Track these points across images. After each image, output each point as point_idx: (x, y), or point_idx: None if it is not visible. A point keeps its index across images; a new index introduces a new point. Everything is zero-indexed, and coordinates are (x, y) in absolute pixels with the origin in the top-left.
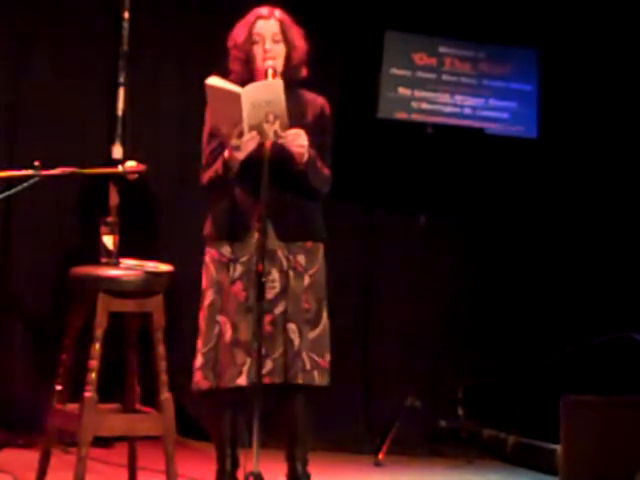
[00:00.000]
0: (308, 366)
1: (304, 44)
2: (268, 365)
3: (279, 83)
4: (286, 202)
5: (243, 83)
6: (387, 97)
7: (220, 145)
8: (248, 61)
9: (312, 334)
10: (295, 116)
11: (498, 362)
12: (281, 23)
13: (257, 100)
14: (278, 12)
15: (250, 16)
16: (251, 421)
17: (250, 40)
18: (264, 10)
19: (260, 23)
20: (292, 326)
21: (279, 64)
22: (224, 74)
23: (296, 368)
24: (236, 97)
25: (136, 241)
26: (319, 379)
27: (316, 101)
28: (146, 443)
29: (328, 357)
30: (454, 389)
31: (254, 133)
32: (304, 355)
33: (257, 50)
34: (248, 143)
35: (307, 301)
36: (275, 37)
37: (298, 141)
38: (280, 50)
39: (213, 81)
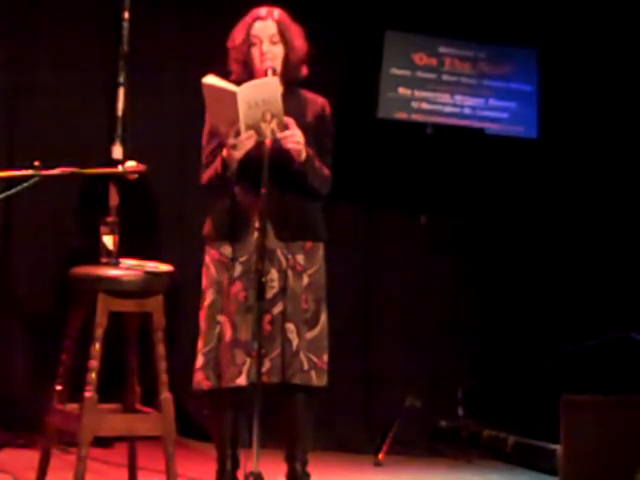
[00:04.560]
0: (306, 366)
1: (303, 44)
2: (266, 365)
3: (275, 81)
4: (286, 202)
5: (242, 83)
6: (387, 97)
7: (220, 145)
8: (246, 62)
9: (310, 334)
10: (295, 116)
11: (498, 362)
12: (278, 24)
13: (253, 99)
14: (277, 12)
15: (248, 17)
16: (251, 421)
17: (248, 42)
18: (262, 11)
19: (258, 24)
20: (290, 326)
21: (278, 65)
22: (224, 74)
23: (294, 368)
24: (232, 96)
25: (136, 241)
26: (317, 380)
27: (317, 101)
28: (146, 443)
29: (326, 358)
30: (454, 389)
31: (251, 132)
32: (302, 355)
33: (255, 52)
34: (245, 142)
35: (305, 301)
36: (273, 38)
37: (294, 138)
38: (278, 51)
39: (210, 80)
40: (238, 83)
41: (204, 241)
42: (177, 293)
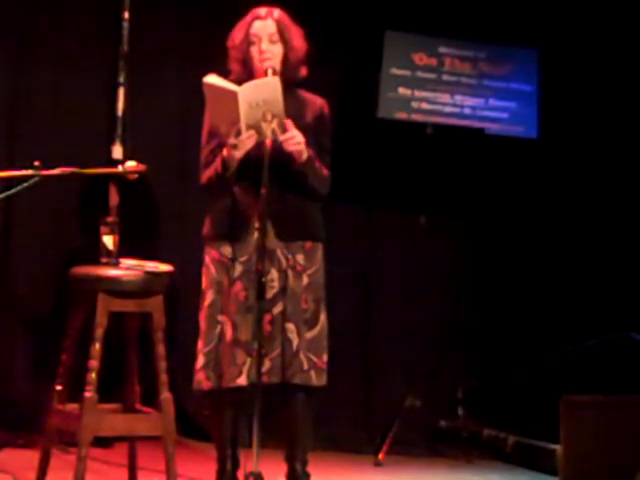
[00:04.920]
0: (305, 366)
1: (303, 44)
2: (266, 365)
3: (276, 81)
4: (286, 202)
5: (242, 83)
6: (387, 97)
7: (219, 145)
8: (246, 62)
9: (309, 334)
10: (294, 116)
11: (498, 362)
12: (278, 23)
13: (254, 99)
14: (276, 12)
15: (248, 17)
16: (251, 421)
17: (247, 41)
18: (262, 10)
19: (257, 24)
20: (290, 326)
21: (277, 64)
22: (224, 74)
23: (294, 368)
24: (233, 96)
25: (136, 241)
26: (316, 379)
27: (315, 102)
28: (146, 443)
29: (325, 357)
30: (454, 389)
31: (252, 132)
32: (301, 355)
33: (254, 51)
34: (246, 142)
35: (305, 301)
36: (272, 37)
37: (295, 139)
38: (277, 51)
39: (211, 79)
40: (238, 83)
41: (203, 241)
42: (177, 293)
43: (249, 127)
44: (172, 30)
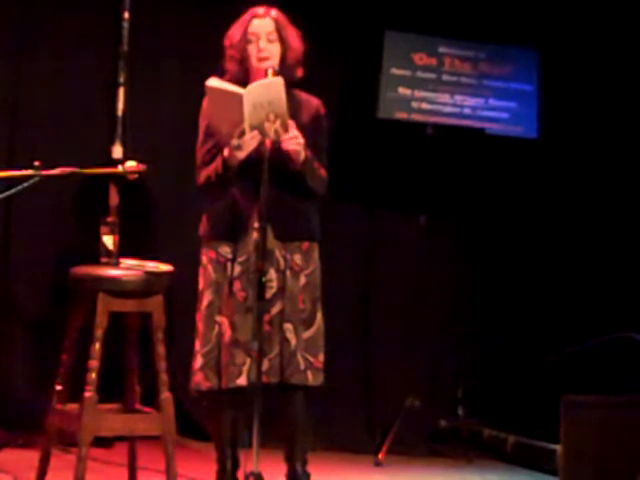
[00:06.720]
0: (302, 366)
1: (300, 44)
2: (265, 365)
3: (280, 82)
4: (284, 202)
5: (238, 83)
6: (387, 97)
7: (216, 145)
8: (243, 60)
9: (306, 334)
10: (291, 117)
11: (498, 362)
12: (276, 22)
13: (259, 100)
14: (274, 11)
15: (246, 15)
16: (251, 421)
17: (245, 39)
18: (260, 9)
19: (255, 22)
20: (288, 326)
21: (274, 64)
22: (220, 74)
23: (292, 368)
24: (238, 98)
25: (136, 241)
26: (312, 379)
27: (311, 102)
28: (146, 443)
29: (322, 357)
30: (454, 389)
31: (255, 132)
32: (299, 355)
33: (252, 49)
34: (249, 142)
35: (302, 301)
36: (270, 36)
37: (296, 140)
38: (275, 50)
39: (213, 83)
40: (234, 83)
41: (200, 241)
42: (177, 293)
43: (252, 127)
44: (172, 30)
